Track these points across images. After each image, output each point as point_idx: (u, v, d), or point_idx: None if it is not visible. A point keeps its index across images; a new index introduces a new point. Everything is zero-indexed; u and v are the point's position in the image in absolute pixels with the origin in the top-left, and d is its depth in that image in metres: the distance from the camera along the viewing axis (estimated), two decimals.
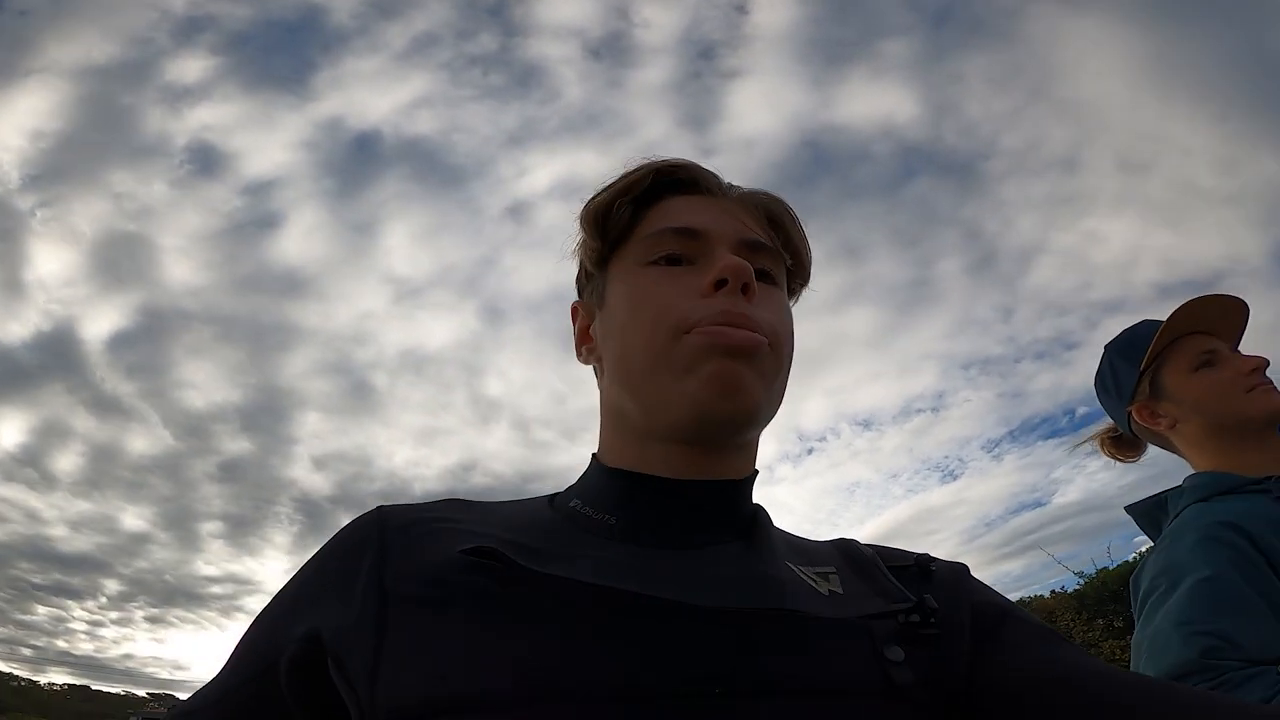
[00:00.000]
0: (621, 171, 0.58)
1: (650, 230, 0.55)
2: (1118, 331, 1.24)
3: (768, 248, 0.55)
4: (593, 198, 0.58)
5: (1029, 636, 0.45)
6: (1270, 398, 1.06)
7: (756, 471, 0.56)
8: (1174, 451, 1.17)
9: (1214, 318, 1.14)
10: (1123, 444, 1.26)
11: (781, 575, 0.46)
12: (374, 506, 0.52)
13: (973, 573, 0.53)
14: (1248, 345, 1.16)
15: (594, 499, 0.52)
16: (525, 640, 0.39)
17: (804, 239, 0.59)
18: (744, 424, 0.50)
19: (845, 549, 0.52)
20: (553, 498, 0.55)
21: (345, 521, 0.52)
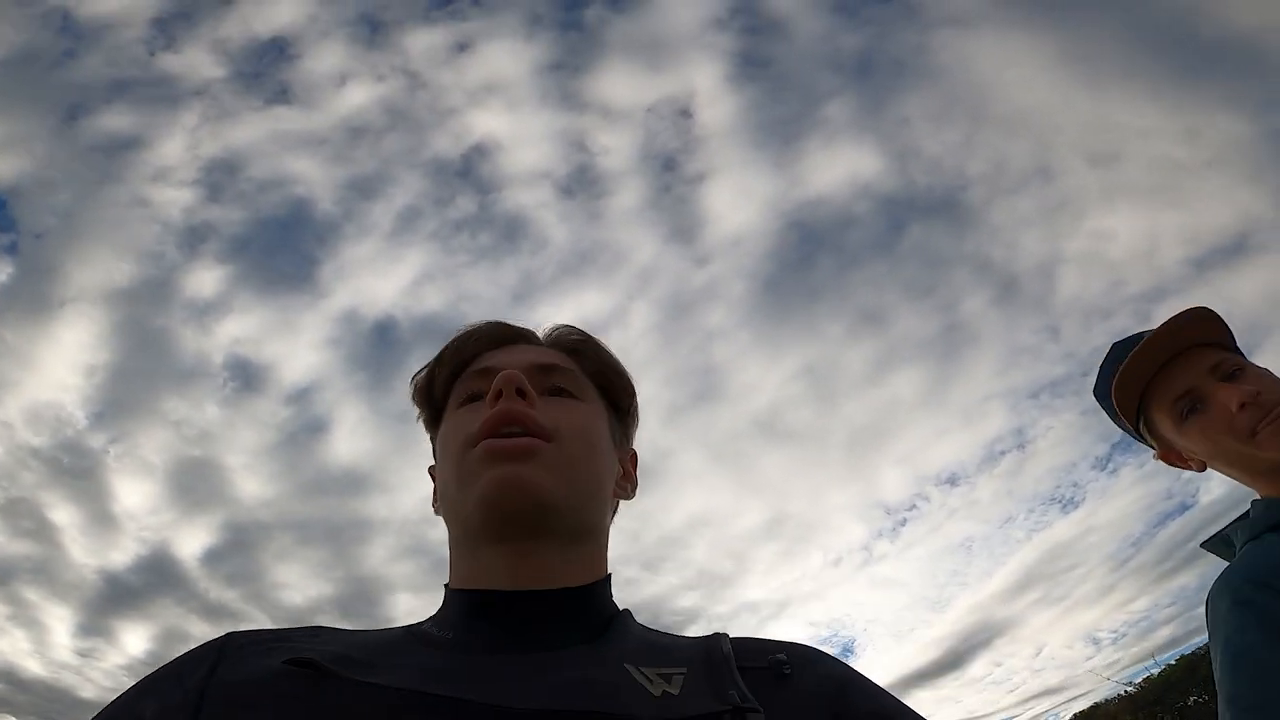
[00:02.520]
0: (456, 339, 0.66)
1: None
2: (1173, 313, 1.03)
3: (560, 368, 0.62)
4: (416, 374, 0.67)
5: None
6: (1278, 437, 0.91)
7: (609, 575, 0.59)
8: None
9: (1160, 355, 1.00)
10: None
11: (612, 678, 0.46)
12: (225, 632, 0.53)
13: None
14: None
15: (440, 619, 0.55)
16: None
17: (607, 361, 0.67)
18: (536, 510, 0.53)
19: (709, 646, 0.51)
20: (410, 626, 0.56)
21: None
